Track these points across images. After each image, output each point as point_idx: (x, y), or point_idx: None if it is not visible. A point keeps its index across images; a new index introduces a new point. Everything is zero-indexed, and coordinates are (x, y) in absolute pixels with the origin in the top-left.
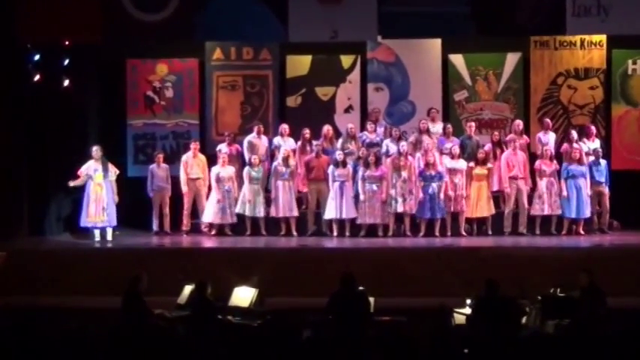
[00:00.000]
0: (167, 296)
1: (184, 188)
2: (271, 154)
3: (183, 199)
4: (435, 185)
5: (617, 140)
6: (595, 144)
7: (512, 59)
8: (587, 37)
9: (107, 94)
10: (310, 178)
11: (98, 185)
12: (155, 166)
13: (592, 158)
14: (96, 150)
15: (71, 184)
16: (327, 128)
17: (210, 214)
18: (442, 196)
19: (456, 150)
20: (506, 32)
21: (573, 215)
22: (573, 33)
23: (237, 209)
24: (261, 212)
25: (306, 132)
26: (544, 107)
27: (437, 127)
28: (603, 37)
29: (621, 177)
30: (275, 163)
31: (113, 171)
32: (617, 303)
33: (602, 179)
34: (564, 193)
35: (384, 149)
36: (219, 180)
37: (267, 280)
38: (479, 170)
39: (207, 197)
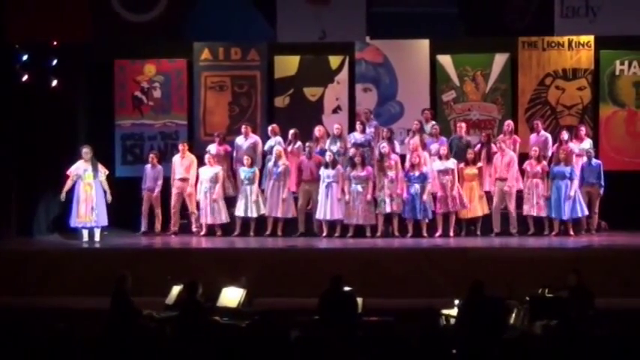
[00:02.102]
0: (155, 297)
1: (172, 189)
2: (263, 154)
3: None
4: (417, 186)
5: (605, 141)
6: (586, 144)
7: (500, 60)
8: (575, 38)
9: (95, 94)
10: (302, 179)
11: (88, 185)
12: (149, 167)
13: (584, 159)
14: (85, 151)
15: (63, 196)
16: (318, 129)
17: (198, 214)
18: (425, 197)
19: (444, 150)
20: (494, 33)
21: (554, 215)
22: (561, 34)
23: (237, 211)
24: (252, 213)
25: (291, 132)
26: (532, 108)
27: (427, 128)
28: (591, 38)
29: (609, 178)
30: (269, 164)
31: (103, 171)
32: (604, 304)
33: (594, 180)
34: (545, 193)
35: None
36: (201, 180)
37: (255, 281)
38: (469, 170)
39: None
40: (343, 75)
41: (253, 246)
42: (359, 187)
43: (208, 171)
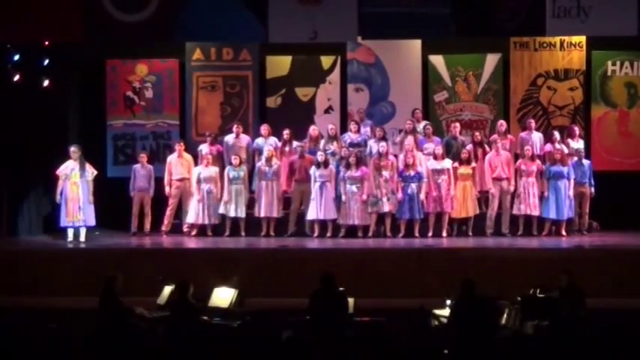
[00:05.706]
0: (147, 297)
1: (167, 189)
2: (252, 154)
3: (168, 200)
4: (414, 186)
5: (597, 141)
6: (579, 144)
7: (492, 60)
8: (566, 39)
9: (87, 94)
10: (295, 179)
11: (74, 184)
12: (139, 166)
13: (575, 158)
14: (73, 150)
15: (58, 198)
16: (312, 128)
17: (191, 215)
18: (422, 197)
19: (439, 150)
20: (485, 33)
21: (552, 216)
22: (553, 34)
23: (220, 210)
24: (241, 213)
25: (286, 132)
26: (524, 108)
27: (420, 128)
28: (583, 39)
29: (600, 178)
30: (259, 164)
31: (91, 171)
32: (596, 304)
33: (585, 180)
34: (545, 193)
35: (367, 150)
36: (200, 180)
37: (246, 281)
38: (463, 170)
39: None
40: (335, 75)
41: (245, 246)
42: (354, 188)
43: (208, 171)
